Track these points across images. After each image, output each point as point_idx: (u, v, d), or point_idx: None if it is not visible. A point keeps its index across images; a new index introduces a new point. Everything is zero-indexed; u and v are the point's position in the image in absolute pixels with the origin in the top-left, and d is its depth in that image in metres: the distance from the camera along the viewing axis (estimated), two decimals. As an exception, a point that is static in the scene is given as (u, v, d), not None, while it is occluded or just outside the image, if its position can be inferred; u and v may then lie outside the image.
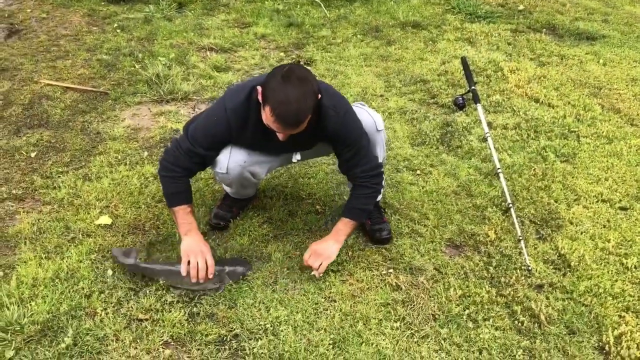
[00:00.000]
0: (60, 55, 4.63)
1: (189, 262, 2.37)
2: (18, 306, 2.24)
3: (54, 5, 5.67)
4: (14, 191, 2.99)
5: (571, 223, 3.05)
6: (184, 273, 2.37)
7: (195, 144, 2.37)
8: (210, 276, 2.39)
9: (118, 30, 5.20)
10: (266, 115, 2.16)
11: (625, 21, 6.47)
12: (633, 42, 5.80)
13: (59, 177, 3.13)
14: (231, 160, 2.46)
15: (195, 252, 2.38)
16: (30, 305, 2.27)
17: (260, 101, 2.21)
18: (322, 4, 6.21)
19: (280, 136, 2.26)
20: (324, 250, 2.49)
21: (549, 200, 3.21)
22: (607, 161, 3.63)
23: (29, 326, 2.18)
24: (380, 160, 2.67)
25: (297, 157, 2.61)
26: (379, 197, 2.89)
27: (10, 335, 2.13)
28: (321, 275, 2.50)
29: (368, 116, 2.55)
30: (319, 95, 2.23)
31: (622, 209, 3.20)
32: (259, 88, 2.21)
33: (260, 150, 2.53)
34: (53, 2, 5.73)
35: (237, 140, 2.45)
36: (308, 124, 2.21)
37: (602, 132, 3.95)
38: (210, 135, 2.38)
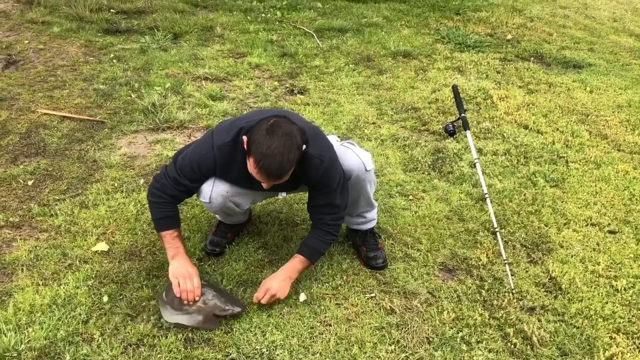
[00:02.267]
0: (57, 85, 4.69)
1: (179, 285, 2.41)
2: (15, 332, 2.26)
3: (51, 37, 5.75)
4: (11, 219, 3.02)
5: (561, 246, 3.10)
6: (176, 292, 2.41)
7: (181, 175, 2.44)
8: (197, 298, 2.42)
9: (114, 61, 5.28)
10: (250, 166, 2.22)
11: (610, 50, 6.63)
12: (618, 70, 5.94)
13: (56, 204, 3.16)
14: (214, 190, 2.52)
15: (183, 275, 2.42)
16: (28, 331, 2.29)
17: (246, 150, 2.27)
18: (314, 35, 6.33)
19: (264, 185, 2.31)
20: (278, 288, 2.49)
21: (539, 225, 3.27)
22: (596, 186, 3.70)
23: (26, 352, 2.19)
24: (371, 196, 2.76)
25: (282, 194, 2.71)
26: (374, 224, 2.94)
27: (8, 362, 2.15)
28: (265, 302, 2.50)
29: (356, 158, 2.59)
30: (304, 147, 2.27)
31: (611, 232, 3.26)
32: (244, 138, 2.27)
33: (243, 187, 2.59)
34: (50, 34, 5.82)
35: (222, 176, 2.51)
36: (292, 174, 2.27)
37: (590, 158, 4.03)
38: (196, 168, 2.44)
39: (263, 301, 2.47)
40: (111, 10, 6.65)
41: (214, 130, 2.48)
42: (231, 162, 2.42)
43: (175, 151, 3.71)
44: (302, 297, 2.59)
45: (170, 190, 2.45)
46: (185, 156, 2.47)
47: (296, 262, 2.58)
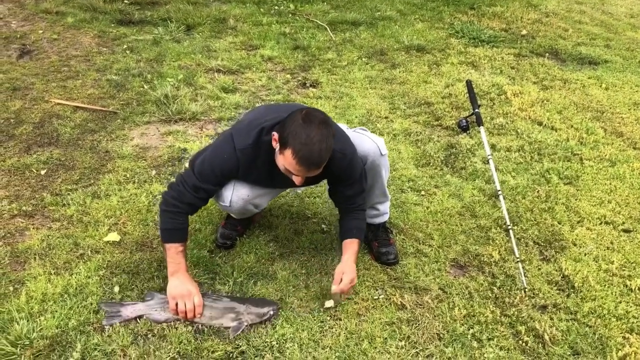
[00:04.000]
0: (71, 76, 4.70)
1: (177, 305, 2.36)
2: (27, 321, 2.27)
3: (65, 27, 5.76)
4: (24, 208, 3.03)
5: (575, 245, 3.07)
6: (173, 314, 2.37)
7: (201, 180, 2.39)
8: (198, 316, 2.37)
9: (127, 52, 5.28)
10: (286, 158, 2.18)
11: (627, 46, 6.55)
12: (635, 67, 5.87)
13: (68, 194, 3.17)
14: (234, 194, 2.51)
15: (182, 295, 2.35)
16: (40, 320, 2.30)
17: (277, 146, 2.24)
18: (327, 28, 6.30)
19: (297, 180, 2.28)
20: (352, 271, 2.44)
21: (552, 222, 3.24)
22: (610, 184, 3.66)
23: (38, 341, 2.20)
24: (385, 184, 2.75)
25: (300, 189, 2.68)
26: (386, 218, 2.93)
27: (20, 350, 2.16)
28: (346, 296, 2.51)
29: (371, 142, 2.59)
30: None
31: (626, 231, 3.22)
32: (275, 134, 2.25)
33: (264, 186, 2.58)
34: (64, 24, 5.83)
35: (244, 177, 2.49)
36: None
37: (605, 155, 3.99)
38: (218, 172, 2.41)
39: (346, 290, 2.41)
40: (125, 1, 6.65)
41: (232, 132, 2.45)
42: (254, 164, 2.40)
43: (190, 142, 3.77)
44: (329, 303, 2.52)
45: (187, 199, 2.40)
46: (204, 161, 2.43)
47: (355, 246, 2.54)
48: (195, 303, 2.36)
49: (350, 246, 2.54)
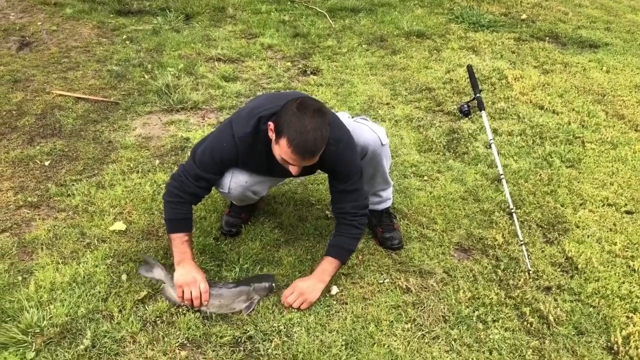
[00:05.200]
0: (71, 67, 4.71)
1: (183, 294, 2.38)
2: (37, 309, 2.30)
3: (64, 18, 5.76)
4: (29, 199, 3.05)
5: (577, 227, 3.09)
6: (180, 302, 2.40)
7: (203, 169, 2.40)
8: (205, 302, 2.38)
9: (127, 42, 5.28)
10: (282, 147, 2.17)
11: (627, 29, 6.54)
12: (635, 50, 5.86)
13: (72, 185, 3.19)
14: (233, 181, 2.52)
15: (188, 282, 2.37)
16: (49, 308, 2.32)
17: (272, 135, 2.24)
18: (327, 15, 6.29)
19: (293, 169, 2.26)
20: (308, 290, 2.44)
21: (555, 205, 3.26)
22: (612, 166, 3.67)
23: (48, 328, 2.23)
24: (387, 172, 2.74)
25: (299, 179, 2.68)
26: (389, 203, 2.94)
27: (31, 338, 2.18)
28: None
29: (371, 132, 2.58)
30: None
31: (628, 212, 3.24)
32: (271, 123, 2.25)
33: (262, 175, 2.59)
34: (63, 15, 5.82)
35: (243, 166, 2.50)
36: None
37: (607, 138, 4.00)
38: (218, 160, 2.41)
39: (294, 305, 2.41)
40: (123, -8, 6.65)
41: (231, 120, 2.45)
42: (252, 152, 2.41)
43: (192, 131, 3.78)
44: (334, 289, 2.55)
45: (189, 188, 2.41)
46: (205, 150, 2.43)
47: (325, 265, 2.50)
48: (201, 290, 2.38)
49: (322, 265, 2.51)
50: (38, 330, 2.21)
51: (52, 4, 6.08)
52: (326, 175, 2.60)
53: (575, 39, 6.00)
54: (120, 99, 4.21)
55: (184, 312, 2.37)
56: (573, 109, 4.42)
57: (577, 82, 4.94)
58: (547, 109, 4.40)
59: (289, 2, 6.74)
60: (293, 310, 2.41)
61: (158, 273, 2.49)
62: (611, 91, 4.80)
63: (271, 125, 2.25)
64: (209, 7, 6.30)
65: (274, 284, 2.50)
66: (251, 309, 2.40)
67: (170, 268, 2.50)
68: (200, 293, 2.38)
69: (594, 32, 6.30)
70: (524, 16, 6.64)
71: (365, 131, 2.58)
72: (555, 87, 4.80)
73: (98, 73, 4.62)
